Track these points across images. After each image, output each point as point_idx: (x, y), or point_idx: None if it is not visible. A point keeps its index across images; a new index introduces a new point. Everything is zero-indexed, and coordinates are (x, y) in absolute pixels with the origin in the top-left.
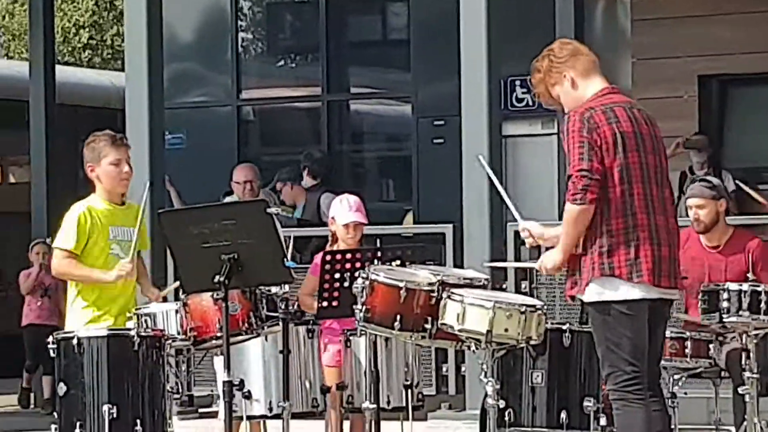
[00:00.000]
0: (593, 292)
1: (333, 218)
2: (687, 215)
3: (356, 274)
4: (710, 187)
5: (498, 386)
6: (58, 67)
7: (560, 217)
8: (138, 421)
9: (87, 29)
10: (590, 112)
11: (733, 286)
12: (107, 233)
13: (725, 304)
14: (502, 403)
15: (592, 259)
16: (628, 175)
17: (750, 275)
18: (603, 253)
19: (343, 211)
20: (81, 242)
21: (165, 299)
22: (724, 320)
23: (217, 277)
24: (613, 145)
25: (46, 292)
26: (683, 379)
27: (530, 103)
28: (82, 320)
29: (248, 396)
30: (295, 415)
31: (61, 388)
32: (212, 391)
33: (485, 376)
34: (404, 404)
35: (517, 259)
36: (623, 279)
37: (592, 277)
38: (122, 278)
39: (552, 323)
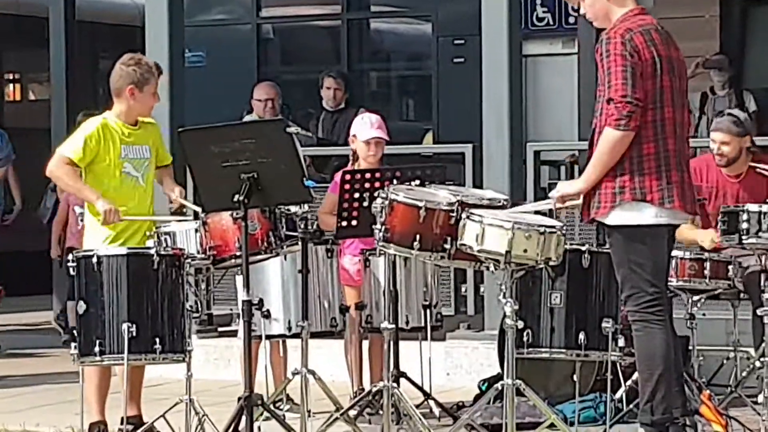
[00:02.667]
0: (620, 216)
1: (354, 136)
2: (708, 136)
3: (376, 193)
4: (737, 123)
5: (516, 307)
6: None
7: (580, 136)
8: (157, 339)
9: None
10: (630, 33)
11: (753, 207)
12: (119, 151)
13: (745, 225)
14: (520, 324)
15: (622, 183)
16: (662, 99)
17: None
18: (634, 177)
19: (365, 128)
20: (86, 157)
21: (181, 210)
22: (744, 241)
23: (236, 196)
24: (651, 68)
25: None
26: (702, 300)
27: (551, 22)
28: (99, 238)
29: (267, 315)
30: (314, 335)
31: (81, 307)
32: (231, 310)
33: (504, 296)
34: (423, 324)
35: (537, 180)
36: (654, 204)
37: (621, 200)
38: (107, 220)
39: (571, 244)
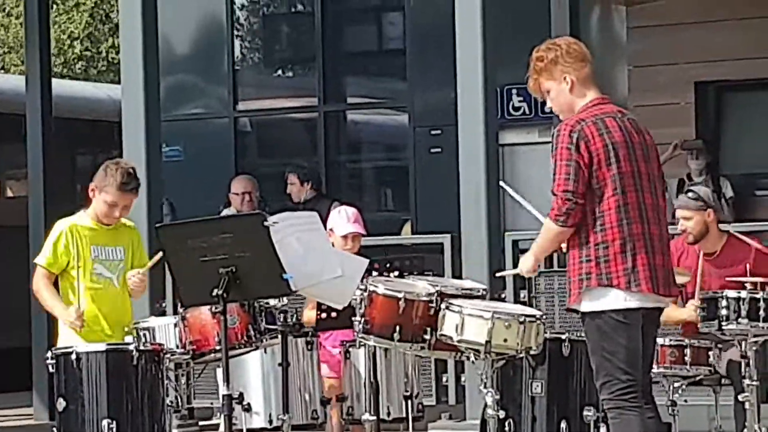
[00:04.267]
0: (589, 302)
1: (331, 230)
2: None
3: None
4: (695, 198)
5: (498, 396)
6: (54, 81)
7: None
8: None
9: (82, 41)
10: (581, 124)
11: (732, 293)
12: (88, 252)
13: (724, 312)
14: (502, 414)
15: (588, 269)
16: (622, 185)
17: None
18: (600, 263)
19: (342, 222)
20: (56, 262)
21: (163, 310)
22: (723, 327)
23: (215, 290)
24: (605, 156)
25: None
26: (683, 386)
27: (527, 111)
28: (74, 336)
29: (248, 409)
30: (295, 428)
31: (60, 404)
32: (212, 403)
33: (485, 386)
34: (404, 415)
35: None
36: (621, 288)
37: (588, 287)
38: (73, 325)
39: (551, 333)
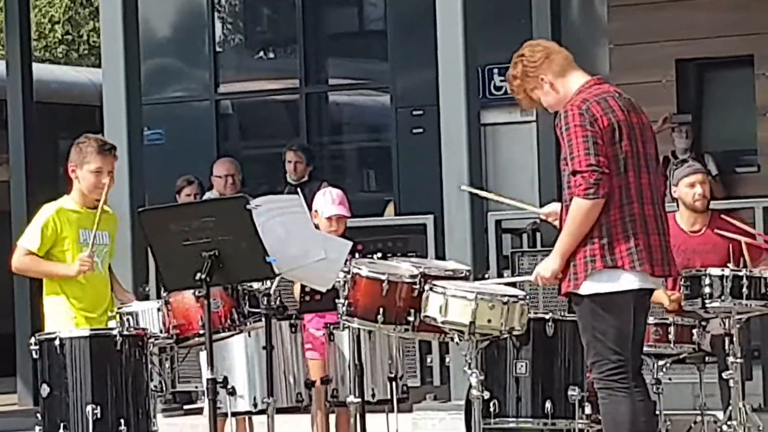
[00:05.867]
0: (592, 285)
1: (316, 211)
2: (672, 201)
3: None
4: (702, 166)
5: (482, 377)
6: (34, 65)
7: (541, 204)
8: (122, 420)
9: (62, 25)
10: (587, 104)
11: (715, 271)
12: (76, 236)
13: (707, 290)
14: (486, 394)
15: (592, 252)
16: (624, 165)
17: (731, 263)
18: (604, 245)
19: (326, 204)
20: (45, 245)
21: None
22: (707, 305)
23: (198, 274)
24: (610, 135)
25: None
26: (667, 365)
27: (508, 91)
28: (62, 320)
29: (232, 392)
30: (280, 410)
31: (44, 389)
32: (197, 387)
33: (469, 367)
34: (389, 397)
35: (499, 249)
36: (626, 269)
37: (593, 270)
38: (83, 271)
39: (535, 313)
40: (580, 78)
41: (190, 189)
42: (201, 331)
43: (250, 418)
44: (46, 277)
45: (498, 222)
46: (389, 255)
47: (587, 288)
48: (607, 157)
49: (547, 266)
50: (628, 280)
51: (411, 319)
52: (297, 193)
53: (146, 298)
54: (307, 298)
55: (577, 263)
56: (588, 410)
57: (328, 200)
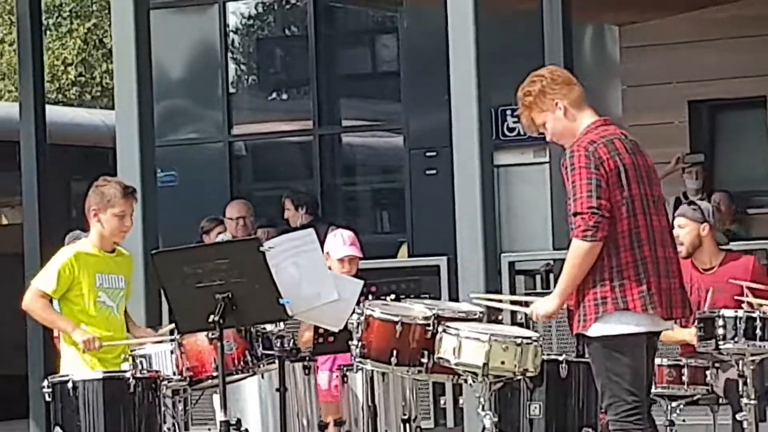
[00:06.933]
0: (603, 327)
1: (328, 253)
2: None
3: None
4: (695, 209)
5: (496, 419)
6: (48, 107)
7: (554, 245)
8: None
9: (75, 67)
10: (594, 145)
11: (729, 312)
12: (93, 281)
13: (721, 331)
14: None
15: (603, 294)
16: (633, 208)
17: (746, 297)
18: (615, 287)
19: (338, 246)
20: (60, 289)
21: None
22: (720, 347)
23: (211, 316)
24: (617, 178)
25: None
26: (681, 406)
27: (521, 132)
28: (76, 364)
29: None
30: None
31: None
32: (210, 430)
33: (483, 409)
34: None
35: (512, 290)
36: (637, 311)
37: (604, 312)
38: (86, 347)
39: (548, 354)
40: (590, 116)
41: (221, 228)
42: (214, 373)
43: None
44: (49, 325)
45: (511, 264)
46: (403, 297)
47: (596, 330)
48: (614, 200)
49: (544, 305)
50: (639, 323)
51: (425, 360)
52: None
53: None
54: (321, 339)
55: (587, 305)
56: None
57: (339, 242)
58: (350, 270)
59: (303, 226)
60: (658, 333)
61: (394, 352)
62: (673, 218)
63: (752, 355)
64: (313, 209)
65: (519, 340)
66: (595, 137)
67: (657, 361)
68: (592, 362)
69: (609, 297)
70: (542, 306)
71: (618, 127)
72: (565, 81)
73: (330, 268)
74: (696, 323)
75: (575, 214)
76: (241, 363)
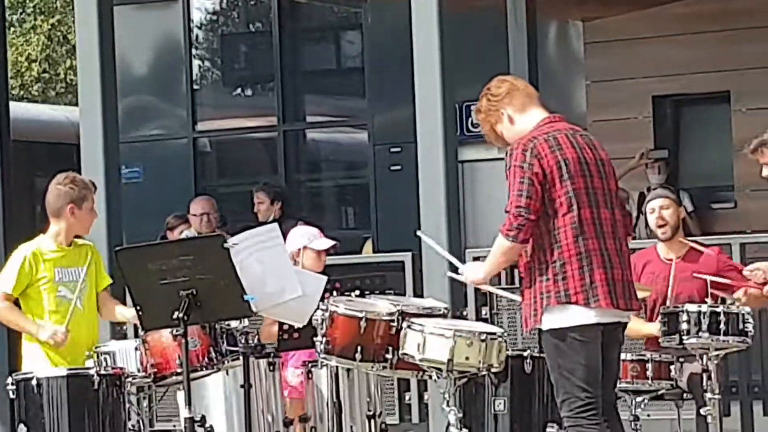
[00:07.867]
0: (549, 320)
1: (305, 247)
2: (646, 236)
3: None
4: (671, 191)
5: (461, 414)
6: (12, 104)
7: None
8: None
9: (39, 63)
10: (533, 142)
11: (692, 307)
12: (53, 275)
13: (685, 326)
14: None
15: (547, 288)
16: (577, 201)
17: (710, 288)
18: (558, 281)
19: (315, 239)
20: (20, 285)
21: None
22: (684, 342)
23: (176, 313)
24: (558, 173)
25: None
26: (645, 401)
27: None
28: (39, 361)
29: (210, 431)
30: None
31: (21, 430)
32: (174, 426)
33: (447, 404)
34: None
35: (477, 288)
36: (580, 305)
37: (548, 305)
38: (54, 343)
39: (513, 350)
40: (538, 115)
41: (185, 226)
42: (178, 370)
43: None
44: (15, 329)
45: (476, 259)
46: (367, 292)
47: (546, 322)
48: (554, 195)
49: (473, 273)
50: (584, 316)
51: (389, 356)
52: None
53: (123, 337)
54: (286, 336)
55: (535, 300)
56: None
57: (315, 235)
58: (323, 264)
59: (274, 221)
60: (618, 324)
61: (359, 348)
62: (638, 215)
63: (716, 349)
64: (286, 204)
65: (483, 336)
66: (537, 134)
67: (621, 356)
68: (547, 357)
69: (552, 291)
70: (471, 273)
71: (569, 123)
72: (508, 89)
73: (298, 263)
74: (660, 318)
75: (506, 212)
76: (206, 359)
